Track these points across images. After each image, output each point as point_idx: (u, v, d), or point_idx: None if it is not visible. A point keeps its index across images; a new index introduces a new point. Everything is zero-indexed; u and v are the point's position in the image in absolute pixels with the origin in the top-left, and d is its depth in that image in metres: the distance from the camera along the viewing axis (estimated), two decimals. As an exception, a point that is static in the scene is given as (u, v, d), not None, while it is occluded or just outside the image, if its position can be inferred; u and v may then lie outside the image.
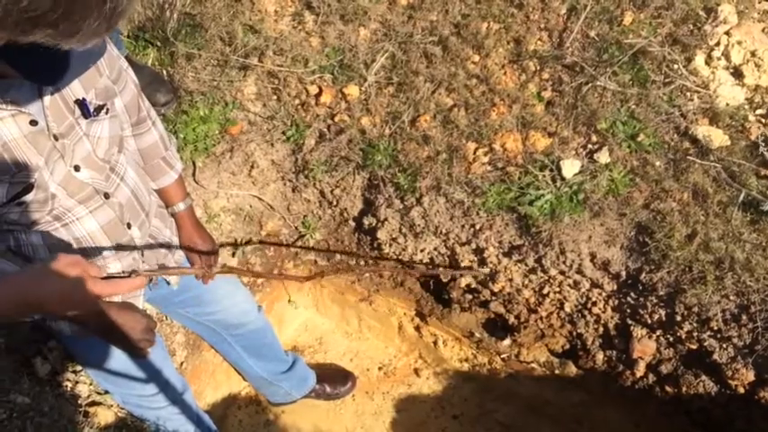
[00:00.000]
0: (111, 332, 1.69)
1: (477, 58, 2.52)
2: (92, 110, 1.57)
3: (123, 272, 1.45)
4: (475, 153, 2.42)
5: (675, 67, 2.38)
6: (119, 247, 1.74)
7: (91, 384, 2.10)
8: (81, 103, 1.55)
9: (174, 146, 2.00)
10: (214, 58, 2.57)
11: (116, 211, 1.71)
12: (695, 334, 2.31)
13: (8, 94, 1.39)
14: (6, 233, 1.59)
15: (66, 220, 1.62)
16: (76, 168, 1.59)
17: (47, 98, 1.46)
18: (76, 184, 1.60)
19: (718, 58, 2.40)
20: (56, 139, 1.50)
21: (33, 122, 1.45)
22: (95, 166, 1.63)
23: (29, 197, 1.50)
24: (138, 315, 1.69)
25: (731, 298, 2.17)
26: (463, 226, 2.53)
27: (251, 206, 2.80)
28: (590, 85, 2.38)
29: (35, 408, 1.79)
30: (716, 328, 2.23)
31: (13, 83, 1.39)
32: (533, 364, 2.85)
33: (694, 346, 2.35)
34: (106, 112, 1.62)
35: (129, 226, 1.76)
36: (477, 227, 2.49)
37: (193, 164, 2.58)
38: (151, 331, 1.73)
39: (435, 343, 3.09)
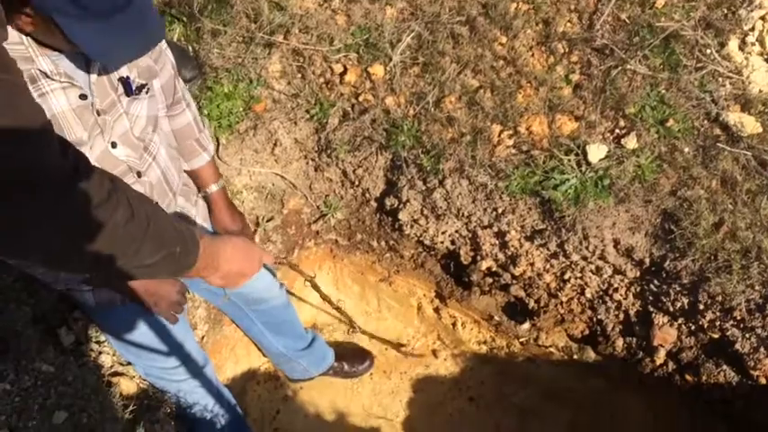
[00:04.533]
0: (151, 295, 1.75)
1: (504, 39, 2.49)
2: (134, 88, 1.61)
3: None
4: (500, 136, 2.40)
5: (708, 51, 2.33)
6: None
7: (114, 355, 2.14)
8: (125, 81, 1.60)
9: (207, 128, 2.02)
10: (239, 34, 2.56)
11: (147, 190, 1.75)
12: (718, 323, 2.28)
13: (60, 67, 1.43)
14: None
15: None
16: (113, 145, 1.63)
17: (94, 74, 1.50)
18: (112, 160, 1.64)
19: (753, 44, 2.35)
20: (98, 114, 1.54)
21: (83, 96, 1.49)
22: (131, 143, 1.67)
23: None
24: (174, 279, 1.78)
25: (756, 288, 2.14)
26: (485, 209, 2.52)
27: (273, 184, 2.81)
28: (620, 68, 2.34)
29: (59, 377, 1.82)
30: (739, 317, 2.21)
31: (65, 56, 1.42)
32: (552, 349, 2.85)
33: (716, 336, 2.33)
34: (147, 92, 1.67)
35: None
36: (500, 210, 2.47)
37: (217, 140, 2.59)
38: (184, 295, 1.80)
39: (454, 325, 3.09)
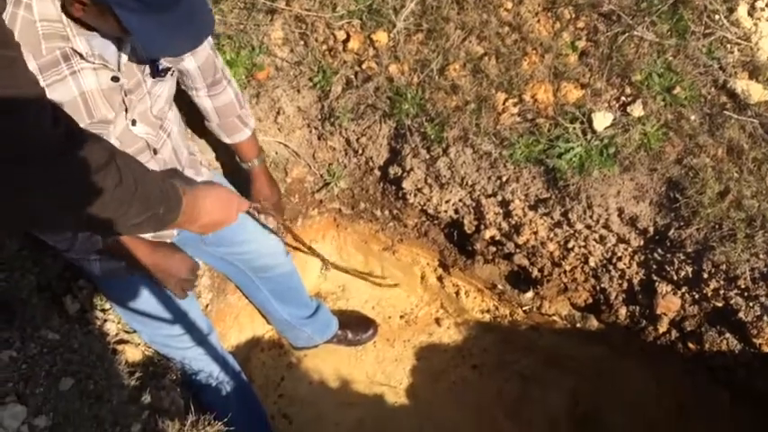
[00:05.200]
0: (161, 271, 1.78)
1: (510, 5, 2.45)
2: (160, 69, 1.66)
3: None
4: (504, 104, 2.38)
5: (717, 17, 2.30)
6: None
7: (119, 323, 2.15)
8: (153, 63, 1.63)
9: (247, 103, 2.07)
10: (241, 0, 2.53)
11: (160, 166, 1.81)
12: (722, 292, 2.28)
13: (95, 48, 1.47)
14: None
15: None
16: (133, 123, 1.67)
17: (124, 55, 1.52)
18: (131, 137, 1.68)
19: (762, 9, 2.31)
20: (125, 94, 1.56)
21: (115, 78, 1.53)
22: (149, 121, 1.72)
23: None
24: (185, 255, 1.85)
25: (761, 256, 2.13)
26: (490, 178, 2.51)
27: (276, 153, 2.79)
28: (626, 34, 2.30)
29: (65, 344, 1.84)
30: (743, 286, 2.21)
31: (97, 36, 1.44)
32: (555, 317, 2.86)
33: (720, 304, 2.33)
34: (172, 74, 1.73)
35: None
36: (504, 179, 2.46)
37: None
38: (195, 272, 1.84)
39: (457, 293, 3.11)
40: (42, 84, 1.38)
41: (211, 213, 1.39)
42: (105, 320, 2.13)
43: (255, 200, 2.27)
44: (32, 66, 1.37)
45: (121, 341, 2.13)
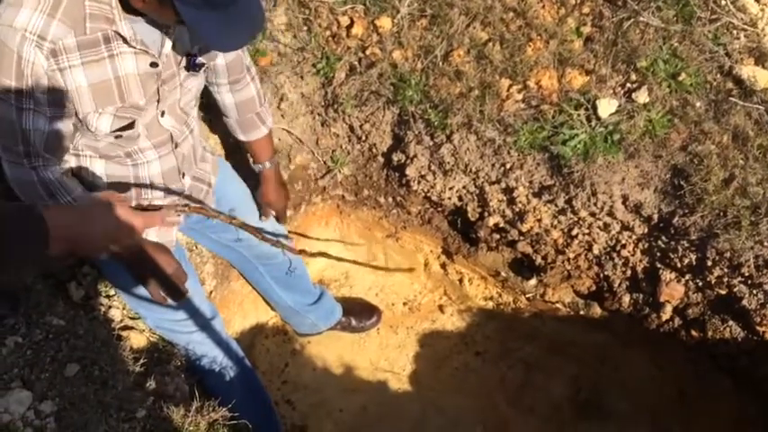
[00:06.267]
0: (146, 269, 1.78)
1: (514, -10, 2.44)
2: (196, 63, 1.68)
3: (152, 205, 1.50)
4: (508, 90, 2.36)
5: (723, 3, 2.28)
6: (168, 192, 1.88)
7: (124, 309, 2.16)
8: (190, 57, 1.66)
9: (268, 101, 2.08)
10: (244, -14, 2.51)
11: (178, 160, 1.83)
12: (725, 279, 2.28)
13: (138, 33, 1.49)
14: (74, 156, 1.66)
15: (136, 160, 1.73)
16: (162, 114, 1.69)
17: (167, 45, 1.52)
18: (158, 128, 1.71)
19: (770, -5, 2.29)
20: (161, 83, 1.58)
21: (154, 65, 1.56)
22: (176, 114, 1.74)
23: (127, 133, 1.59)
24: (171, 257, 1.81)
25: (765, 244, 2.13)
26: (493, 165, 2.50)
27: (279, 139, 2.79)
28: (632, 20, 2.29)
29: (70, 330, 1.84)
30: (747, 273, 2.20)
31: (142, 22, 1.46)
32: (558, 305, 2.86)
33: (723, 292, 2.33)
34: (204, 70, 1.75)
35: (182, 175, 1.89)
36: (508, 166, 2.46)
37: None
38: (181, 275, 1.82)
39: (461, 281, 3.11)
40: (78, 61, 1.40)
41: (82, 225, 1.19)
42: (110, 307, 2.14)
43: (263, 203, 2.26)
44: (70, 41, 1.39)
45: (126, 327, 2.14)
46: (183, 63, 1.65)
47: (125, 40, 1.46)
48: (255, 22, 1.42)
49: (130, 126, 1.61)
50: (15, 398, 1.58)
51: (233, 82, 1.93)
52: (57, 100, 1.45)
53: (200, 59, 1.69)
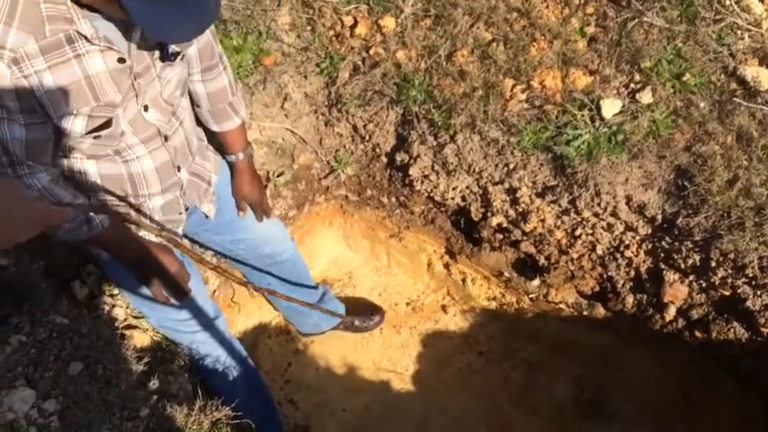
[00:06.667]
0: (149, 269, 1.78)
1: (518, -10, 2.44)
2: (170, 54, 1.62)
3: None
4: (512, 90, 2.36)
5: (727, 3, 2.27)
6: (166, 187, 1.84)
7: (127, 308, 2.16)
8: (162, 47, 1.60)
9: (240, 92, 2.03)
10: (248, -15, 2.52)
11: (171, 154, 1.79)
12: (729, 280, 2.28)
13: (101, 30, 1.45)
14: (64, 159, 1.65)
15: (126, 157, 1.70)
16: (145, 108, 1.66)
17: (135, 38, 1.51)
18: (143, 123, 1.67)
19: (774, -5, 2.29)
20: (135, 78, 1.55)
21: (121, 60, 1.52)
22: (161, 107, 1.70)
23: (105, 132, 1.56)
24: (174, 257, 1.82)
25: (769, 245, 2.12)
26: (497, 165, 2.50)
27: (283, 139, 2.79)
28: (636, 20, 2.29)
29: (74, 329, 1.85)
30: (751, 275, 2.20)
31: (101, 17, 1.43)
32: (561, 305, 2.86)
33: (727, 293, 2.32)
34: (181, 58, 1.69)
35: (178, 169, 1.86)
36: (511, 166, 2.45)
37: (227, 95, 2.57)
38: (184, 275, 1.81)
39: (464, 281, 3.11)
40: (43, 66, 1.39)
41: None
42: (114, 306, 2.14)
43: (236, 196, 2.21)
44: (32, 47, 1.36)
45: (130, 326, 2.14)
46: (157, 55, 1.60)
47: (87, 39, 1.42)
48: (208, 15, 1.37)
49: (106, 125, 1.57)
50: (19, 396, 1.58)
51: (205, 70, 1.87)
52: (28, 107, 1.42)
53: (175, 49, 1.64)
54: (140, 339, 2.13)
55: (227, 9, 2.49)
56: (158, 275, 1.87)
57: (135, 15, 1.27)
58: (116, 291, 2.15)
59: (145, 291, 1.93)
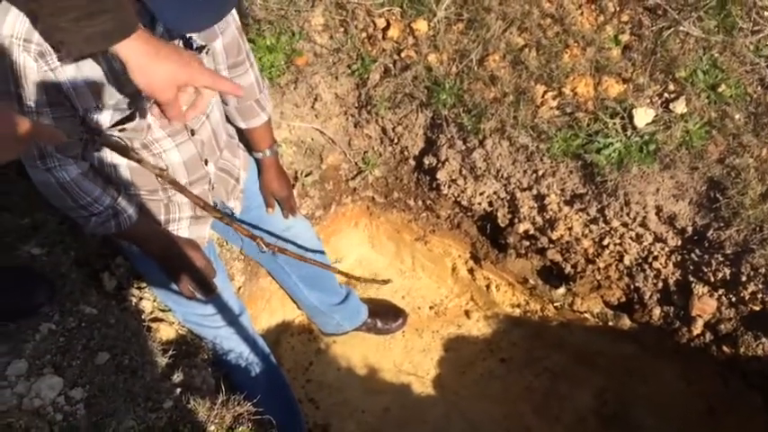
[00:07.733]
0: (177, 264, 1.79)
1: (553, -4, 2.42)
2: (194, 47, 1.62)
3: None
4: (543, 96, 2.35)
5: (766, 14, 2.23)
6: (193, 181, 1.86)
7: (154, 301, 2.19)
8: (186, 41, 1.60)
9: (267, 89, 2.04)
10: (283, -14, 2.54)
11: (198, 147, 1.80)
12: (760, 295, 2.24)
13: None
14: (95, 152, 1.67)
15: (153, 150, 1.71)
16: None
17: (158, 31, 1.50)
18: None
19: (815, 7, 2.24)
20: None
21: None
22: (186, 101, 1.68)
23: (130, 125, 1.57)
24: (201, 253, 1.85)
25: (803, 261, 2.08)
26: (525, 171, 2.49)
27: (312, 139, 2.81)
28: (672, 29, 2.26)
29: (102, 319, 1.88)
30: (783, 290, 2.16)
31: None
32: (586, 315, 2.83)
33: (758, 308, 2.28)
34: (207, 53, 1.68)
35: (206, 162, 1.87)
36: (540, 173, 2.44)
37: (258, 93, 2.59)
38: (210, 271, 1.86)
39: (488, 287, 3.09)
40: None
41: None
42: (141, 298, 2.17)
43: (264, 193, 2.24)
44: None
45: (156, 319, 2.17)
46: (181, 46, 1.58)
47: None
48: (224, 3, 1.37)
49: (131, 118, 1.58)
50: (47, 383, 1.61)
51: (231, 66, 1.86)
52: (55, 100, 1.44)
53: (199, 42, 1.64)
54: (166, 332, 2.15)
55: (261, 9, 2.51)
56: (185, 271, 1.89)
57: (152, 4, 1.26)
58: (144, 284, 2.18)
59: (171, 285, 1.95)
